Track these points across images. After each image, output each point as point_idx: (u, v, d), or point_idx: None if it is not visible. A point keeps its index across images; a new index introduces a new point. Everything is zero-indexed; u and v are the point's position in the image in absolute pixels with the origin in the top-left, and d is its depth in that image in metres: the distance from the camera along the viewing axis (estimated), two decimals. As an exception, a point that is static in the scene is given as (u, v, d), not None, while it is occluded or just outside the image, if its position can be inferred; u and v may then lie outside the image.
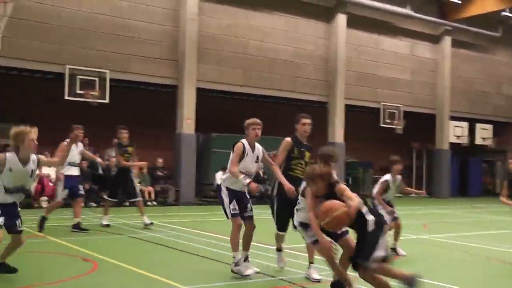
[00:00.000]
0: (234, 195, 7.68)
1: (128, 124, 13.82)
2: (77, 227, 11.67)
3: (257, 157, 7.84)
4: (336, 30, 24.68)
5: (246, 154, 7.66)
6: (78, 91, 18.70)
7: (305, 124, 7.98)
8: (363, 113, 26.97)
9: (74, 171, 11.71)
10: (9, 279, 7.13)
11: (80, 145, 11.92)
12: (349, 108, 25.39)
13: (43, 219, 11.41)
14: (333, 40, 24.76)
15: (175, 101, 20.82)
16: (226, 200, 7.65)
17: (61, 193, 11.66)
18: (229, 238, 7.70)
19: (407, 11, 25.78)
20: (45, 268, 8.15)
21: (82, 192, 12.01)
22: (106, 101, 18.91)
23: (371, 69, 26.31)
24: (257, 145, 7.90)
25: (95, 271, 7.86)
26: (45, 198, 17.27)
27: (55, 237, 10.84)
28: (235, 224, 7.62)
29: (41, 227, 11.32)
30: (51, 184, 17.28)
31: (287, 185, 7.41)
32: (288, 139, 7.88)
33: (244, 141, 7.74)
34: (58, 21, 18.78)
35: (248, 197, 7.90)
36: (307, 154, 7.98)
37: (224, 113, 23.37)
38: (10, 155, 6.86)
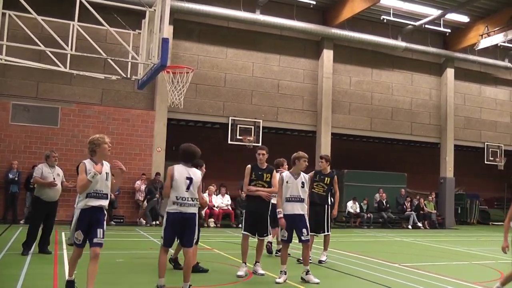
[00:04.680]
0: None
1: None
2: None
3: None
4: (446, 82, 23.79)
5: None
6: (238, 137, 19.39)
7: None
8: (470, 152, 25.44)
9: None
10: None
11: None
12: (458, 148, 24.14)
13: None
14: (443, 91, 23.85)
15: (314, 144, 20.94)
16: None
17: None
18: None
19: (505, 63, 24.62)
20: (211, 274, 8.18)
21: None
22: (259, 144, 19.30)
23: (475, 114, 24.97)
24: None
25: (250, 278, 7.91)
26: (212, 220, 17.80)
27: (220, 250, 11.04)
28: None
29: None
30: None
31: None
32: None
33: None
34: (224, 84, 19.85)
35: None
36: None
37: (354, 153, 23.26)
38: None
